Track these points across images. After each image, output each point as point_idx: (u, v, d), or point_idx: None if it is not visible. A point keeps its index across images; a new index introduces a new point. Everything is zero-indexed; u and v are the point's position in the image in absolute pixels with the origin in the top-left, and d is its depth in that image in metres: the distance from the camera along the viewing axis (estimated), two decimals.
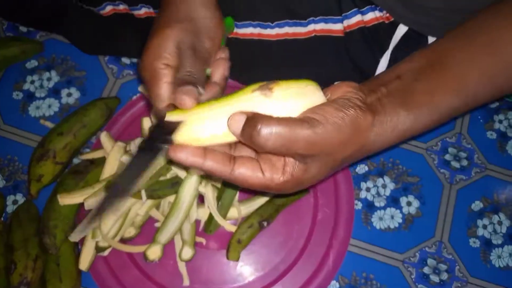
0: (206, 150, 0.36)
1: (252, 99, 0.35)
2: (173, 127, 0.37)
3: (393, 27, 0.61)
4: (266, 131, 0.32)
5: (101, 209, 0.39)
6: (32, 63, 0.84)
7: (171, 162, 0.65)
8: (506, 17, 0.39)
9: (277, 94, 0.34)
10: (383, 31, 0.62)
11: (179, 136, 0.36)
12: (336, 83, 0.38)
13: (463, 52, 0.39)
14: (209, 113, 0.36)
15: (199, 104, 0.38)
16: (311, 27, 0.63)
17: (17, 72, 0.83)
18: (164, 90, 0.43)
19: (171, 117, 0.38)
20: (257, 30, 0.64)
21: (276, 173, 0.36)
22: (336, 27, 0.63)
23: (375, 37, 0.62)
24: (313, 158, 0.35)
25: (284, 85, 0.35)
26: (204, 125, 0.36)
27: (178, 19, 0.47)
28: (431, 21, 0.57)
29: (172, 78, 0.43)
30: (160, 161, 0.65)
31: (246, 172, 0.36)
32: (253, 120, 0.33)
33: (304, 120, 0.33)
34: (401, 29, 0.60)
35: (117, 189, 0.39)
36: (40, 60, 0.84)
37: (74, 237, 0.66)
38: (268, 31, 0.64)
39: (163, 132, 0.37)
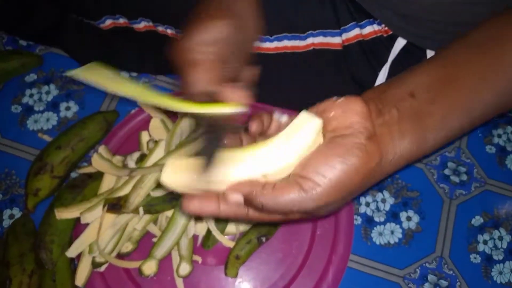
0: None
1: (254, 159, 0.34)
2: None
3: (391, 40, 0.61)
4: (266, 206, 0.33)
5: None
6: (31, 77, 0.84)
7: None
8: None
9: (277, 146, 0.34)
10: (382, 44, 0.62)
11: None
12: (341, 100, 0.35)
13: (475, 66, 0.38)
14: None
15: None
16: (310, 40, 0.63)
17: (16, 86, 0.83)
18: (210, 76, 0.42)
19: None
20: (256, 44, 0.64)
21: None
22: (334, 41, 0.63)
23: (374, 50, 0.62)
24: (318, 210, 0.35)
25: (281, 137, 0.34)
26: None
27: (227, 15, 0.45)
28: (430, 34, 0.57)
29: (219, 68, 0.42)
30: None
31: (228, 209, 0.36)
32: (249, 199, 0.34)
33: (302, 187, 0.32)
34: (400, 43, 0.60)
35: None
36: (39, 74, 0.84)
37: (71, 253, 0.65)
38: (267, 45, 0.64)
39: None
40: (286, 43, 0.64)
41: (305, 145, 0.33)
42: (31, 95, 0.83)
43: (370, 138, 0.33)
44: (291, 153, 0.33)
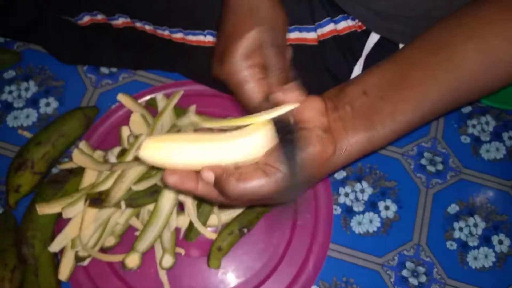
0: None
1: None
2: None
3: (365, 35, 0.62)
4: (232, 192, 0.36)
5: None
6: (10, 73, 0.84)
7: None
8: (466, 30, 0.41)
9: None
10: (356, 39, 0.63)
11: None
12: (302, 98, 0.38)
13: (425, 66, 0.40)
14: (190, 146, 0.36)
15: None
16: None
17: None
18: (258, 86, 0.44)
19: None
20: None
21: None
22: (310, 36, 0.64)
23: (348, 45, 0.64)
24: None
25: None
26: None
27: (256, 23, 0.46)
28: (403, 29, 0.59)
29: (263, 75, 0.45)
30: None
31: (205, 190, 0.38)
32: (219, 182, 0.36)
33: (265, 172, 0.35)
34: (373, 37, 0.62)
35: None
36: (18, 70, 0.84)
37: (54, 248, 0.65)
38: None
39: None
40: None
41: (270, 139, 0.36)
42: (10, 92, 0.82)
43: (325, 131, 0.37)
44: (259, 146, 0.36)
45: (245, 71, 0.45)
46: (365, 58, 0.64)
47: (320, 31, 0.63)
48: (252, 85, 0.44)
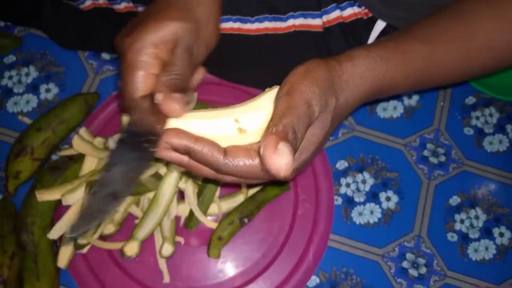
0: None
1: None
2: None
3: (371, 22, 0.61)
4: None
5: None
6: (10, 58, 0.83)
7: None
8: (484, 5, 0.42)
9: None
10: (362, 26, 0.62)
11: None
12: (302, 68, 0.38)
13: (440, 30, 0.42)
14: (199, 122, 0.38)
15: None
16: (291, 22, 0.63)
17: None
18: (147, 80, 0.40)
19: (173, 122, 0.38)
20: (237, 25, 0.64)
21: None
22: (315, 22, 0.63)
23: (354, 32, 0.63)
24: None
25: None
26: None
27: (185, 17, 0.43)
28: (409, 16, 0.58)
29: (158, 71, 0.40)
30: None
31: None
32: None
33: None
34: (379, 25, 0.61)
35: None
36: (18, 55, 0.83)
37: (53, 235, 0.65)
38: (248, 26, 0.64)
39: (145, 132, 0.37)
40: (267, 24, 0.64)
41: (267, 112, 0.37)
42: (10, 77, 0.82)
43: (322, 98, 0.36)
44: (263, 114, 0.37)
45: (144, 56, 0.40)
46: None
47: (325, 17, 0.62)
48: (141, 74, 0.39)
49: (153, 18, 0.42)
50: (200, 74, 0.49)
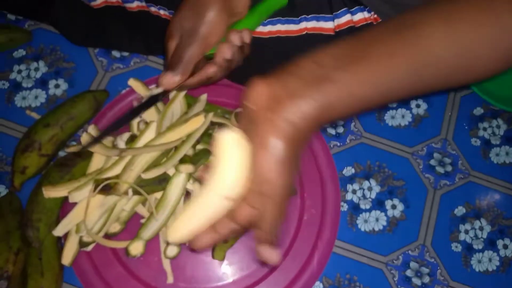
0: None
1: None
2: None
3: None
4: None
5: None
6: (20, 53, 0.83)
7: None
8: (436, 14, 0.39)
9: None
10: None
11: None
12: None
13: (388, 43, 0.38)
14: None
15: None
16: (303, 25, 0.63)
17: (3, 61, 0.82)
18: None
19: None
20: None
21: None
22: (327, 26, 0.63)
23: None
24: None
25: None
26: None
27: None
28: None
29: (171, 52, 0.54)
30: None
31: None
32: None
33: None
34: None
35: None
36: (28, 50, 0.83)
37: (58, 232, 0.65)
38: (260, 29, 0.64)
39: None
40: (280, 27, 0.64)
41: (237, 159, 0.37)
42: (19, 71, 0.81)
43: (268, 109, 0.36)
44: (232, 172, 0.38)
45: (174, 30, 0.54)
46: None
47: (337, 21, 0.63)
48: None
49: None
50: (226, 48, 0.54)
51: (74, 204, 0.65)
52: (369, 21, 0.62)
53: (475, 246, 0.78)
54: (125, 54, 0.83)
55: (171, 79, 0.53)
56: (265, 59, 0.69)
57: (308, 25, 0.64)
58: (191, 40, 0.53)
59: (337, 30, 0.64)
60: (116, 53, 0.83)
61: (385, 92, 0.38)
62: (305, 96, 0.36)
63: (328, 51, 0.38)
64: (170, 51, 0.55)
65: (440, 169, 0.82)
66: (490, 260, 0.77)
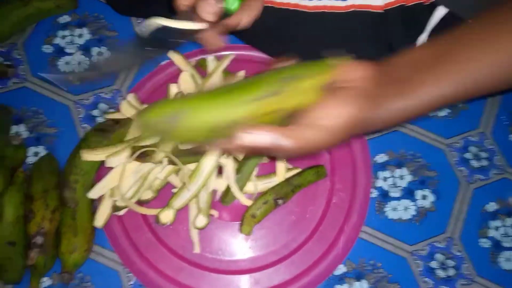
0: None
1: None
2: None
3: (432, 8, 0.60)
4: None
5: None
6: (65, 19, 0.84)
7: None
8: None
9: None
10: (422, 12, 0.61)
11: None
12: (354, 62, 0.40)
13: (474, 41, 0.41)
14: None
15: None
16: (351, 1, 0.62)
17: (49, 26, 0.84)
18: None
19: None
20: (294, 1, 0.63)
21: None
22: (376, 3, 0.62)
23: (413, 17, 0.62)
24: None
25: None
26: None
27: None
28: (471, 2, 0.56)
29: None
30: None
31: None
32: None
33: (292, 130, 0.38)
34: (440, 12, 0.60)
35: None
36: (73, 16, 0.84)
37: (93, 194, 0.67)
38: (305, 2, 0.63)
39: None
40: (326, 2, 0.63)
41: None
42: (64, 37, 0.83)
43: (364, 95, 0.39)
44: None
45: None
46: (430, 33, 0.61)
47: None
48: None
49: None
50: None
51: (110, 169, 0.67)
52: (421, 0, 0.61)
53: (504, 244, 0.77)
54: None
55: (213, 7, 0.48)
56: (307, 34, 0.68)
57: (356, 1, 0.62)
58: None
59: (387, 8, 0.62)
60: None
61: (469, 89, 0.42)
62: (395, 95, 0.40)
63: (417, 52, 0.43)
64: None
65: (475, 163, 0.80)
66: None
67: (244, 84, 0.39)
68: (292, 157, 0.41)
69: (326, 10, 0.63)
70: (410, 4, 0.61)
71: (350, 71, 0.39)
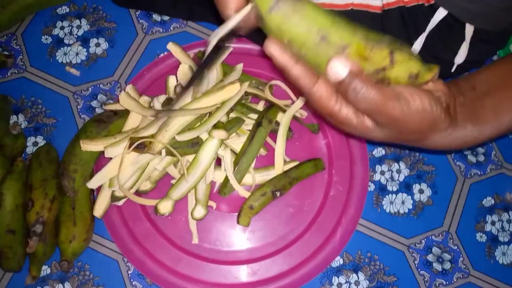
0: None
1: None
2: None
3: (432, 10, 0.60)
4: (363, 94, 0.32)
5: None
6: (63, 9, 0.84)
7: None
8: None
9: None
10: (422, 13, 0.61)
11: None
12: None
13: None
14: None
15: None
16: None
17: (47, 17, 0.84)
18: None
19: None
20: None
21: (348, 109, 0.35)
22: (374, 3, 0.62)
23: (413, 18, 0.62)
24: (385, 127, 0.35)
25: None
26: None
27: None
28: (470, 5, 0.56)
29: None
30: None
31: (324, 93, 0.34)
32: (355, 77, 0.32)
33: (400, 96, 0.33)
34: (440, 13, 0.60)
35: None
36: (71, 7, 0.84)
37: (92, 184, 0.67)
38: None
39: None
40: (325, 0, 0.63)
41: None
42: (62, 28, 0.83)
43: (447, 108, 0.37)
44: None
45: None
46: (428, 34, 0.62)
47: None
48: None
49: None
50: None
51: (109, 159, 0.67)
52: (420, 2, 0.61)
53: (500, 238, 0.77)
54: (166, 18, 0.84)
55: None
56: None
57: (355, 0, 0.63)
58: None
59: (386, 8, 0.62)
60: (156, 17, 0.84)
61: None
62: (465, 120, 0.39)
63: (481, 76, 0.42)
64: None
65: (472, 158, 0.80)
66: None
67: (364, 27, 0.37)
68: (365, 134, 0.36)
69: (324, 8, 0.63)
70: (410, 5, 0.61)
71: (437, 84, 0.37)
